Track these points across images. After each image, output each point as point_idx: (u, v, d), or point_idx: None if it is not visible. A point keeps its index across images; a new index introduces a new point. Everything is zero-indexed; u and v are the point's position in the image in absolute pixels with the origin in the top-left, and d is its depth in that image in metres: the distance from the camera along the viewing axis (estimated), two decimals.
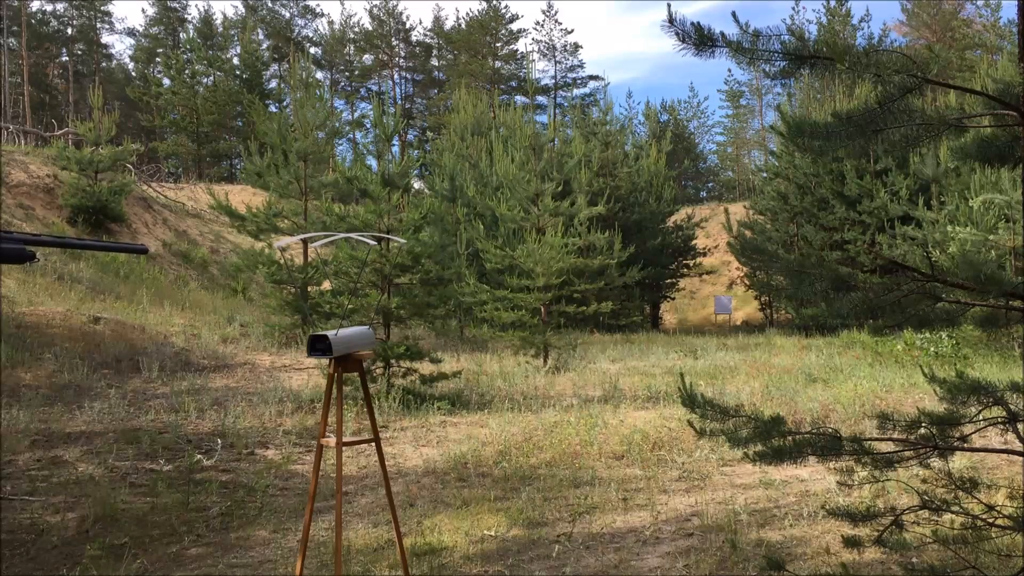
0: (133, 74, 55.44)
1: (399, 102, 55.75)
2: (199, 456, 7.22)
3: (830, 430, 3.25)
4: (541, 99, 54.59)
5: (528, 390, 11.22)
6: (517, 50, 57.58)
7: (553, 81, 56.23)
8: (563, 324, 17.19)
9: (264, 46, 55.26)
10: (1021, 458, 3.15)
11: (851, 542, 3.47)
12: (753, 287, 27.89)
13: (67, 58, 53.45)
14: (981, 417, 3.31)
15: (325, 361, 9.21)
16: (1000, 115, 3.02)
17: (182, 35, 53.56)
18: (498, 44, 57.11)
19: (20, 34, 45.86)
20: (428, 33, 61.23)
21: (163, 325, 14.00)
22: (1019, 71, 2.96)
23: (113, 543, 5.02)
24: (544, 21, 63.45)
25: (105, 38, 68.09)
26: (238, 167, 47.71)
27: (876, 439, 3.41)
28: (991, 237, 15.10)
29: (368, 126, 52.24)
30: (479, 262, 19.77)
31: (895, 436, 3.37)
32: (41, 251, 17.22)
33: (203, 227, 27.07)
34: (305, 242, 15.45)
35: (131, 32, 61.47)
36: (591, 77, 57.30)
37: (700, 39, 2.83)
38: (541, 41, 56.82)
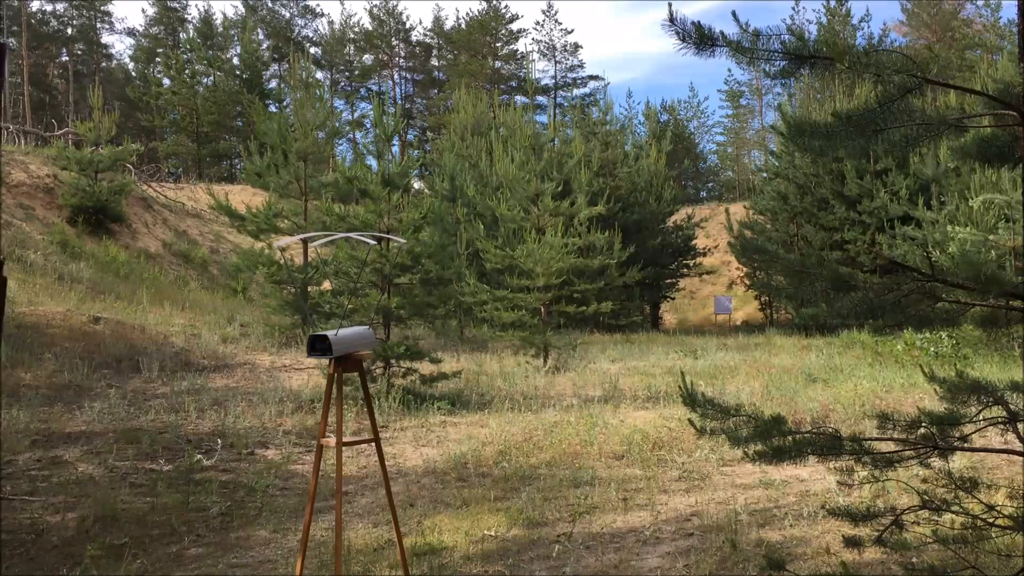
0: (133, 74, 55.35)
1: (399, 102, 55.69)
2: (199, 456, 7.22)
3: (830, 430, 3.25)
4: (541, 99, 54.55)
5: (528, 390, 11.22)
6: (517, 50, 57.60)
7: (553, 81, 56.19)
8: (563, 324, 17.20)
9: (264, 46, 55.22)
10: (1021, 458, 3.15)
11: (851, 542, 3.47)
12: (753, 287, 27.88)
13: (67, 58, 53.43)
14: (981, 417, 3.31)
15: (325, 361, 9.21)
16: (1000, 115, 3.02)
17: (182, 35, 53.54)
18: (498, 44, 57.10)
19: (20, 34, 45.83)
20: (428, 33, 61.21)
21: (163, 325, 13.99)
22: (1019, 71, 2.96)
23: (113, 543, 5.02)
24: (544, 21, 63.26)
25: (105, 38, 68.08)
26: (238, 167, 47.69)
27: (876, 439, 3.41)
28: (991, 237, 15.09)
29: (368, 126, 52.16)
30: (479, 262, 19.77)
31: (895, 436, 3.38)
32: (42, 251, 17.21)
33: (203, 227, 27.06)
34: (305, 242, 15.43)
35: (131, 32, 61.25)
36: (591, 77, 57.26)
37: (700, 38, 2.84)
38: (541, 41, 56.82)
